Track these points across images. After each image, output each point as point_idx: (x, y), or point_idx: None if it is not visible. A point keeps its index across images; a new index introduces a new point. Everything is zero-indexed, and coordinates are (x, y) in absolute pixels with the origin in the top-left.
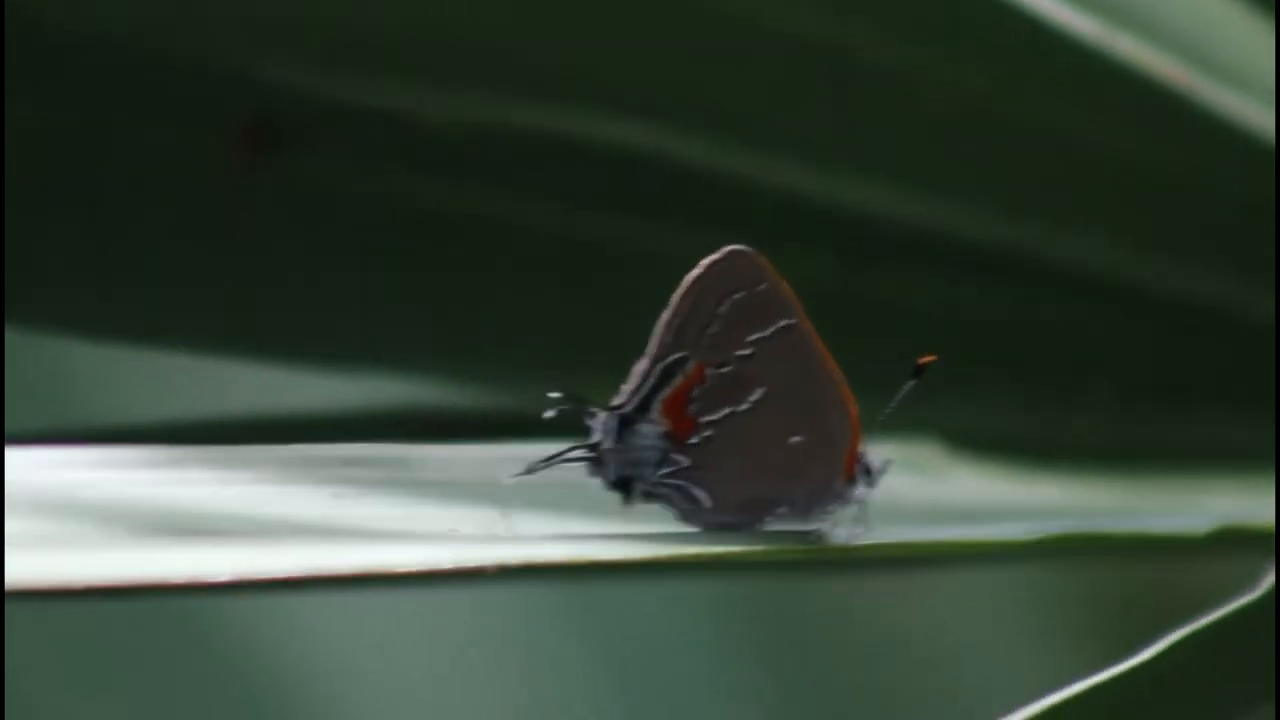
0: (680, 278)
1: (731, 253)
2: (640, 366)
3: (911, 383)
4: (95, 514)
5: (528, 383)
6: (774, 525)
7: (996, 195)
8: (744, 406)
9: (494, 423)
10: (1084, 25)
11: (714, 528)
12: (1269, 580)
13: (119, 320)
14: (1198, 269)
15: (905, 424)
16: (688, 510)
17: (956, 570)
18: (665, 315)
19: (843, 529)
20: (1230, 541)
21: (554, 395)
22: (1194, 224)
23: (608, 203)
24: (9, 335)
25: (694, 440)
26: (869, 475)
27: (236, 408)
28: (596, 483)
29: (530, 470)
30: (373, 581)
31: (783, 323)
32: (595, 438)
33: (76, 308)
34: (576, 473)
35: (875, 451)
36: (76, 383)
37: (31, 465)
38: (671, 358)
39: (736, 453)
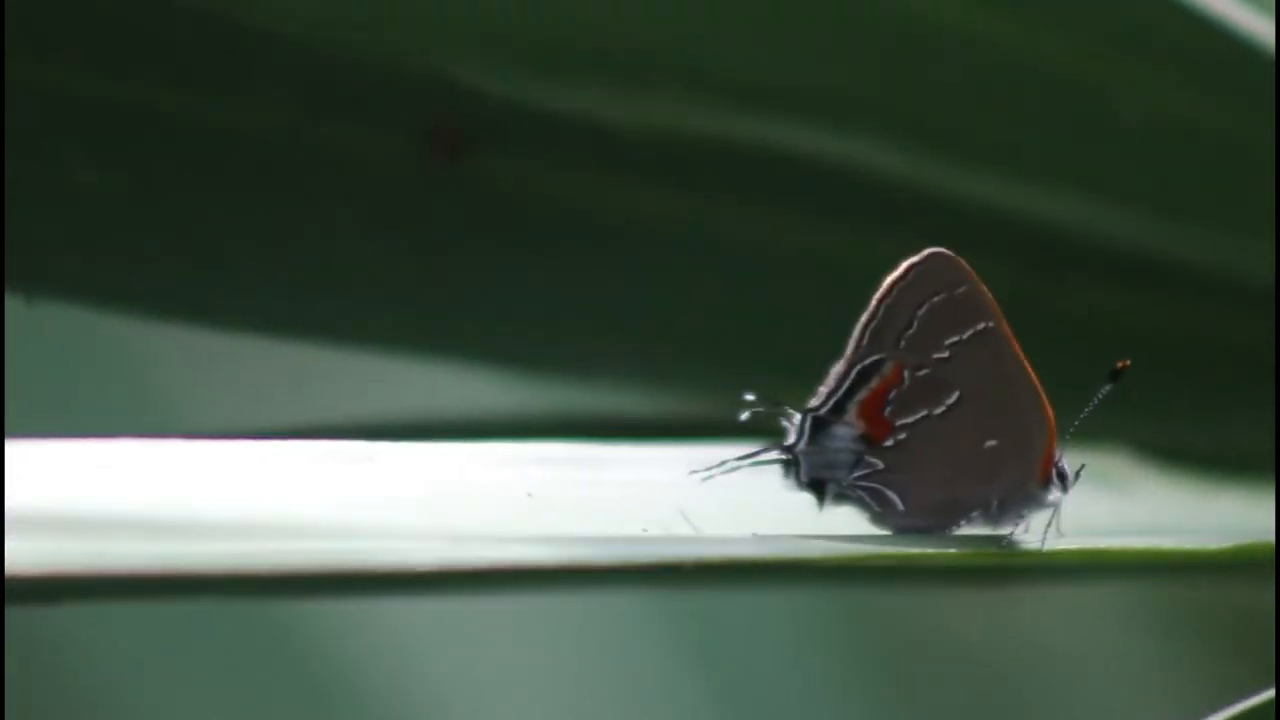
0: (870, 284)
1: (931, 255)
2: (837, 368)
3: (1108, 387)
4: (288, 508)
5: (721, 389)
6: (966, 529)
7: (1181, 207)
8: (940, 410)
9: (687, 427)
10: (1265, 30)
11: (906, 530)
12: None
13: (313, 321)
14: None
15: (1091, 433)
16: (880, 513)
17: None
18: (863, 317)
19: (1036, 534)
20: None
21: (749, 397)
22: None
23: (798, 210)
24: (213, 337)
25: (889, 443)
26: (1063, 481)
27: (428, 409)
28: (790, 484)
29: (723, 469)
30: (568, 577)
31: (981, 326)
32: (790, 439)
33: (272, 309)
34: (770, 475)
35: (1067, 458)
36: (272, 383)
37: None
38: (868, 360)
39: (931, 456)
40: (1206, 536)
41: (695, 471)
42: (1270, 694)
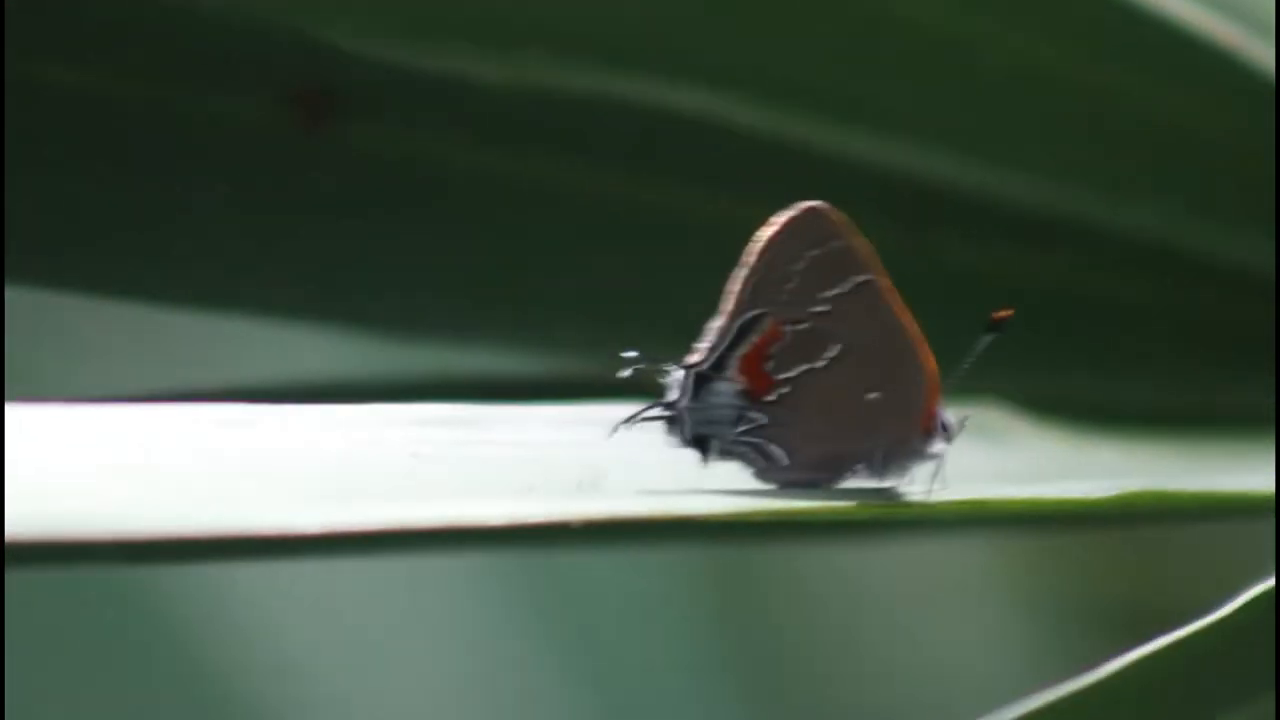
0: (745, 241)
1: (807, 208)
2: (717, 324)
3: (989, 337)
4: (172, 472)
5: (597, 348)
6: (850, 482)
7: (1055, 162)
8: (821, 363)
9: (566, 386)
10: None
11: (791, 485)
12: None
13: (184, 287)
14: (1253, 236)
15: (969, 386)
16: (764, 468)
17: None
18: (741, 272)
19: (918, 486)
20: None
21: (628, 355)
22: (1252, 191)
23: (669, 169)
24: (74, 301)
25: (770, 398)
26: (945, 432)
27: (304, 373)
28: (673, 442)
29: (609, 428)
30: (458, 538)
31: (860, 279)
32: (672, 396)
33: (142, 276)
34: (652, 433)
35: (949, 410)
36: (144, 351)
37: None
38: (748, 315)
39: (813, 410)
40: (1087, 486)
41: (592, 430)
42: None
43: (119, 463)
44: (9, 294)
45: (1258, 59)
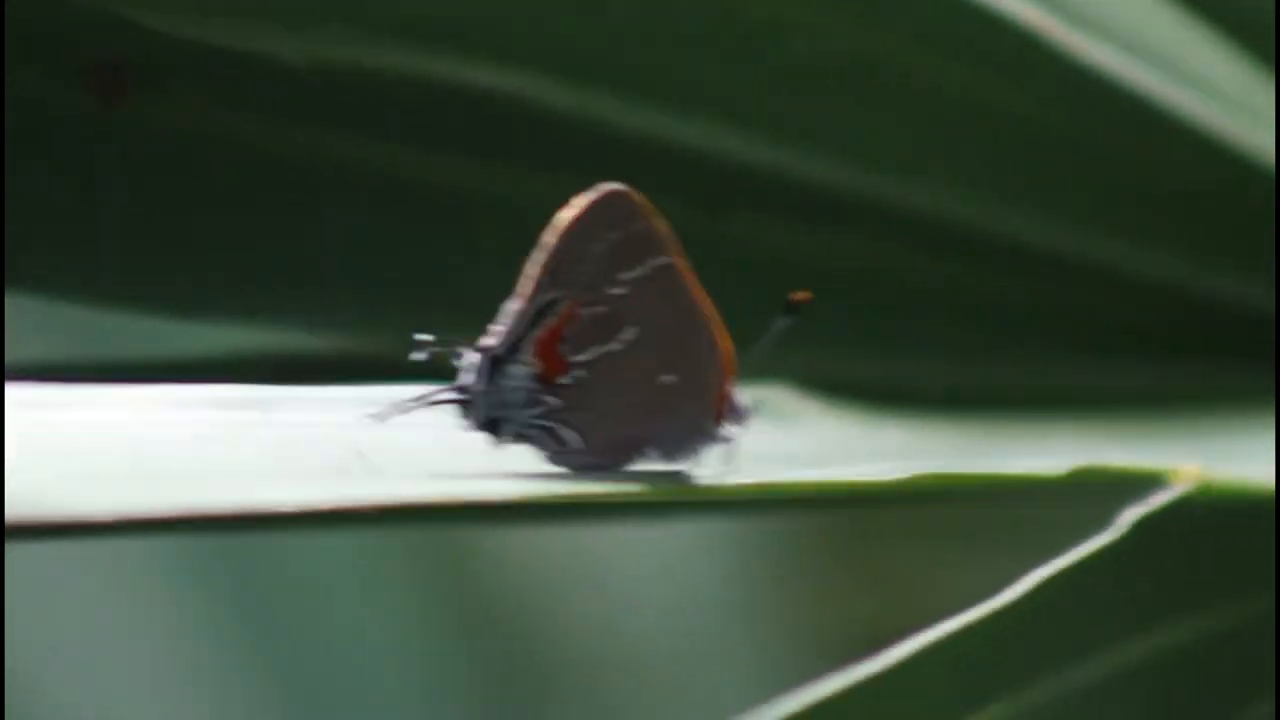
0: (539, 222)
1: (606, 191)
2: (512, 306)
3: (786, 320)
4: None
5: (390, 329)
6: (642, 466)
7: (844, 140)
8: (616, 346)
9: (360, 367)
10: None
11: (583, 468)
12: (1126, 519)
13: None
14: (1040, 215)
15: (757, 368)
16: (556, 451)
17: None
18: (540, 255)
19: (708, 469)
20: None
21: (422, 337)
22: (1047, 171)
23: (465, 147)
24: None
25: (565, 380)
26: (739, 415)
27: (97, 352)
28: (466, 425)
29: (398, 411)
30: (251, 523)
31: (658, 262)
32: (466, 379)
33: None
34: (444, 415)
35: (752, 392)
36: None
37: None
38: (544, 297)
39: (607, 393)
40: (877, 468)
41: (371, 414)
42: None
43: None
44: None
45: (1059, 40)
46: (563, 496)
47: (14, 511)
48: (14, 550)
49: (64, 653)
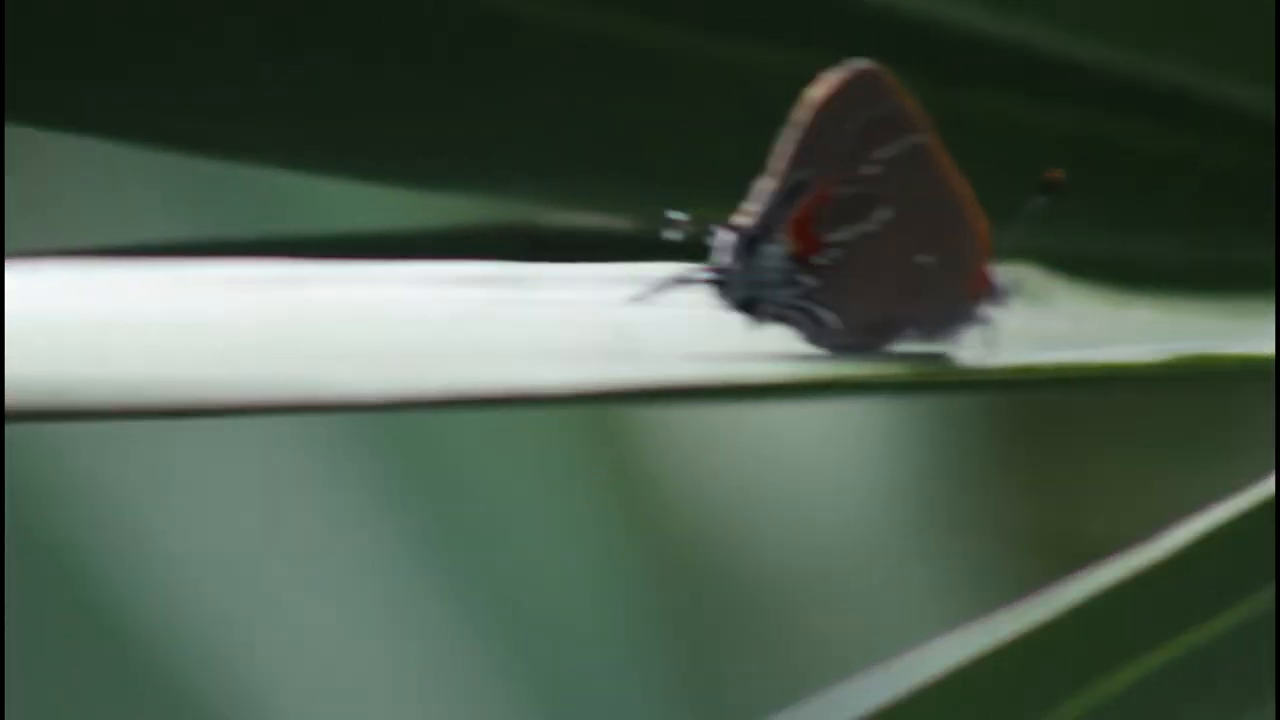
0: (789, 99)
1: (857, 69)
2: (765, 185)
3: (1040, 199)
4: (205, 326)
5: (642, 205)
6: (902, 346)
7: (1081, 11)
8: (871, 226)
9: (612, 243)
10: None
11: (841, 350)
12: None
13: (215, 135)
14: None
15: (1003, 248)
16: (815, 332)
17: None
18: (792, 133)
19: (970, 350)
20: None
21: (675, 215)
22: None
23: (701, 17)
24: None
25: (820, 260)
26: (997, 295)
27: (342, 224)
28: (722, 305)
29: (655, 290)
30: (521, 401)
31: (911, 141)
32: (721, 259)
33: (170, 119)
34: (701, 295)
35: (1002, 272)
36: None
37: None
38: (797, 176)
39: (864, 273)
40: (1133, 349)
41: (629, 294)
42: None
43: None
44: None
45: None
46: (822, 378)
47: (287, 390)
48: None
49: (218, 547)
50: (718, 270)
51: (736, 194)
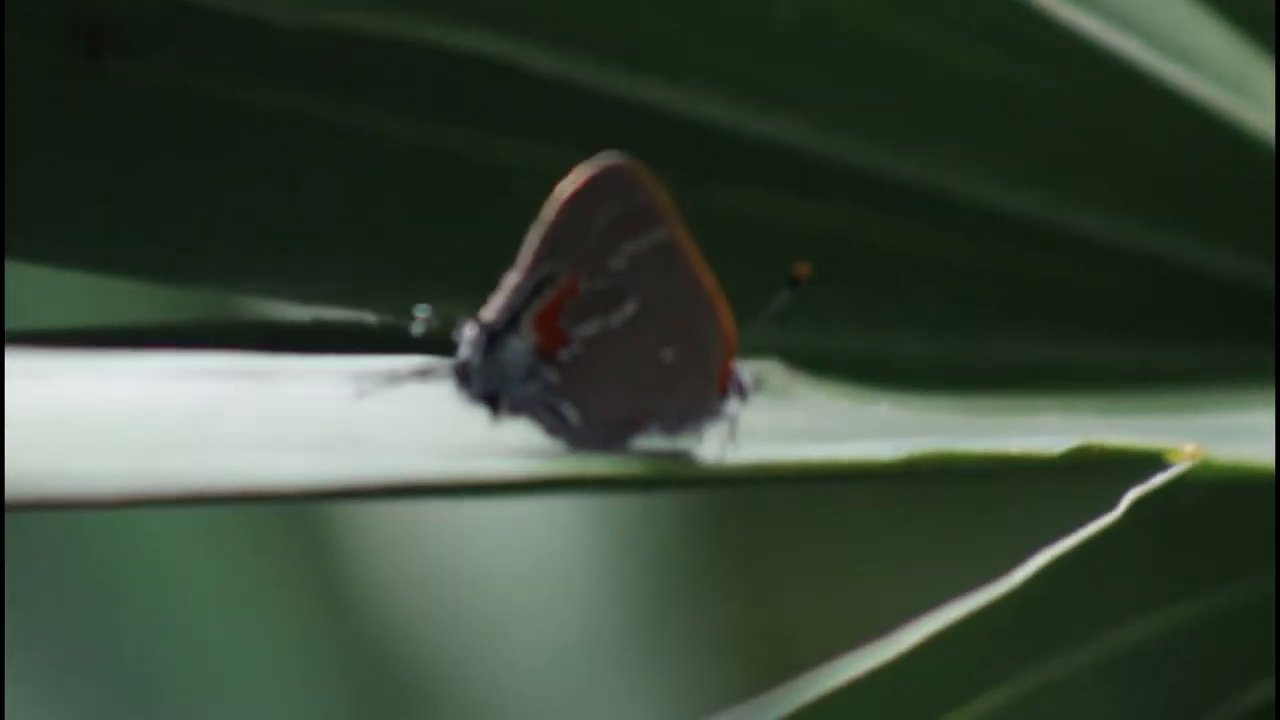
0: (537, 191)
1: (608, 163)
2: (512, 279)
3: (785, 293)
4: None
5: (387, 298)
6: (643, 444)
7: (831, 109)
8: (617, 321)
9: (353, 337)
10: None
11: (582, 445)
12: (1125, 501)
13: None
14: (1031, 188)
15: (746, 344)
16: (555, 426)
17: None
18: (538, 227)
19: (711, 447)
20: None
21: (420, 309)
22: (1040, 143)
23: (458, 113)
24: None
25: (564, 355)
26: (741, 391)
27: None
28: (463, 399)
29: (391, 383)
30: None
31: (660, 235)
32: (464, 353)
33: None
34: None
35: (746, 367)
36: None
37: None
38: (543, 270)
39: (607, 368)
40: (873, 446)
41: (360, 387)
42: None
43: None
44: None
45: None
46: (560, 476)
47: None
48: None
49: None
50: (460, 364)
51: (490, 288)
